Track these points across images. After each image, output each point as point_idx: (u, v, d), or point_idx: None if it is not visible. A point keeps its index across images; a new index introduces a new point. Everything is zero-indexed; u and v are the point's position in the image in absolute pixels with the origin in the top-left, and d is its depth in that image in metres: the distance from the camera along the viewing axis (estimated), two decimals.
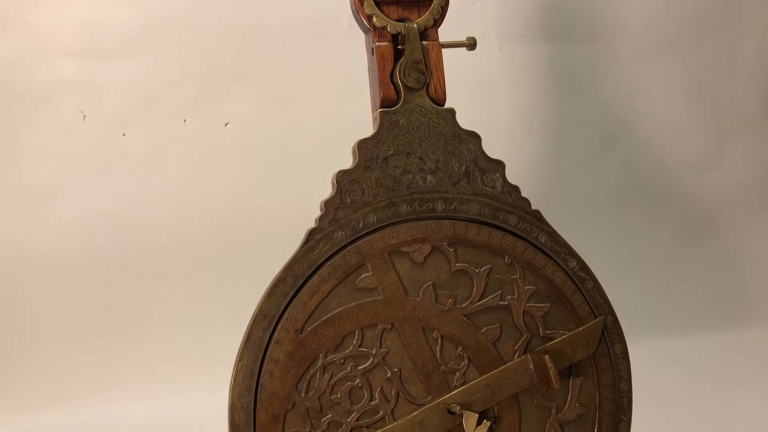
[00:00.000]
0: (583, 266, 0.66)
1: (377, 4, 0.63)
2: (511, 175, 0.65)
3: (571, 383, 0.65)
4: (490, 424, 0.61)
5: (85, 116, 1.08)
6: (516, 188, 0.65)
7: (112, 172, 1.11)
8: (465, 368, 0.63)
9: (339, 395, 0.60)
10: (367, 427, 0.60)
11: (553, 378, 0.61)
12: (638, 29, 1.30)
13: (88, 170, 1.11)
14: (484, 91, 1.24)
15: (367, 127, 0.65)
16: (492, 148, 0.66)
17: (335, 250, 0.61)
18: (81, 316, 1.15)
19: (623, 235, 1.38)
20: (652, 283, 1.40)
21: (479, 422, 0.60)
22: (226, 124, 1.13)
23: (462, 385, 0.62)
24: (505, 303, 0.64)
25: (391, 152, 0.62)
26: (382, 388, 0.61)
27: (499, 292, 0.64)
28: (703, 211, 1.40)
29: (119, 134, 1.10)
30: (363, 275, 0.61)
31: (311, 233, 0.60)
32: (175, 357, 1.19)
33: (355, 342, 0.60)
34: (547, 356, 0.62)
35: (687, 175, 1.38)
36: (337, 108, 1.14)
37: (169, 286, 1.17)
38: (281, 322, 0.59)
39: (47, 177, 1.10)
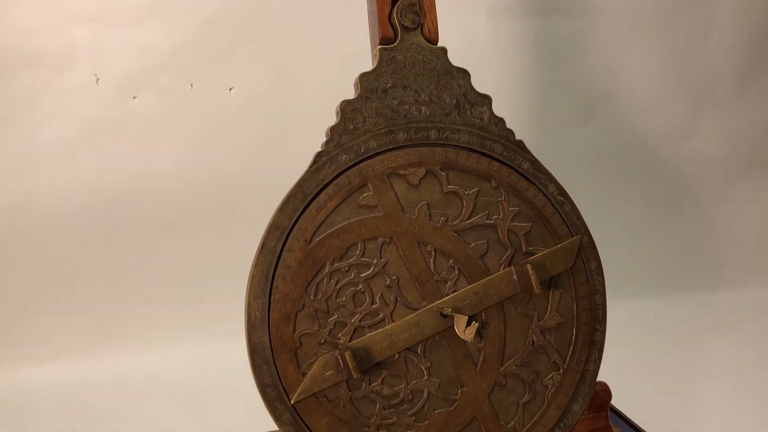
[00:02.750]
0: (562, 191, 0.74)
1: None
2: None
3: (551, 295, 0.72)
4: (479, 326, 0.68)
5: (98, 80, 1.15)
6: (501, 120, 0.72)
7: (123, 132, 1.18)
8: (456, 278, 0.70)
9: (344, 299, 0.67)
10: (369, 327, 0.67)
11: (534, 284, 0.69)
12: (618, 5, 1.37)
13: (101, 131, 1.17)
14: (471, 62, 1.30)
15: None
16: None
17: (340, 171, 0.67)
18: (93, 271, 1.21)
19: (603, 200, 1.45)
20: (630, 247, 1.47)
21: (468, 323, 0.67)
22: (230, 89, 1.20)
23: (453, 292, 0.69)
24: (492, 222, 0.71)
25: (389, 85, 0.69)
26: (382, 293, 0.68)
27: (486, 212, 0.71)
28: (679, 179, 1.47)
29: (130, 97, 1.17)
30: (365, 194, 0.68)
31: (318, 156, 0.67)
32: (181, 311, 1.25)
33: (357, 252, 0.67)
34: (529, 265, 0.69)
35: (664, 144, 1.45)
36: (335, 75, 1.21)
37: (175, 242, 1.23)
38: (292, 233, 0.66)
39: (62, 137, 1.16)
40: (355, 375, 0.64)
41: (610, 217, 1.45)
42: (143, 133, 1.18)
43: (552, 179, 0.73)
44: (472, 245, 0.70)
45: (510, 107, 1.34)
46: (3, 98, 1.13)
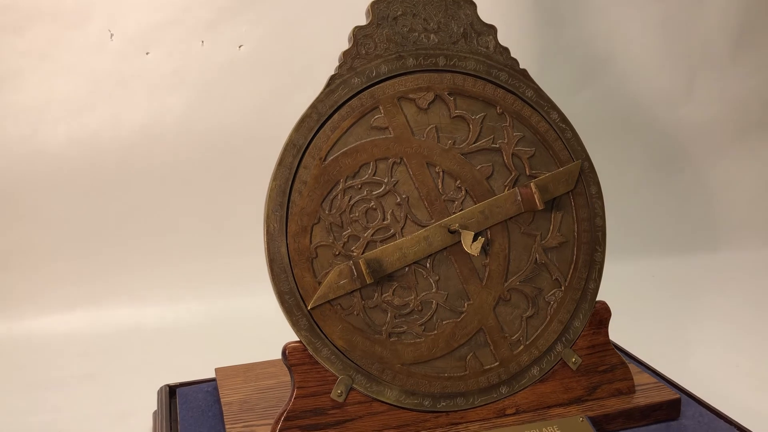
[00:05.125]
0: (564, 118, 0.77)
1: None
2: None
3: (552, 216, 0.76)
4: (484, 241, 0.72)
5: (112, 35, 1.18)
6: (506, 49, 0.76)
7: (136, 87, 1.21)
8: (462, 198, 0.73)
9: (357, 214, 0.70)
10: (381, 241, 0.71)
11: (537, 200, 0.72)
12: None
13: (114, 86, 1.20)
14: None
15: None
16: None
17: (353, 93, 0.71)
18: (106, 222, 1.24)
19: (601, 163, 1.47)
20: (628, 209, 1.50)
21: (475, 239, 0.70)
22: (240, 46, 1.23)
23: (460, 211, 0.73)
24: (497, 146, 0.74)
25: (399, 13, 0.72)
26: (393, 211, 0.71)
27: (492, 136, 0.74)
28: (675, 143, 1.51)
29: (143, 53, 1.20)
30: (376, 116, 0.71)
31: (332, 78, 0.71)
32: (192, 261, 1.28)
33: (370, 171, 0.71)
34: (532, 183, 0.73)
35: (661, 107, 1.49)
36: (342, 33, 1.24)
37: (186, 195, 1.26)
38: (308, 151, 0.69)
39: (76, 91, 1.20)
40: (368, 281, 0.68)
41: (607, 180, 1.47)
42: (155, 87, 1.21)
43: (554, 107, 0.77)
44: (478, 167, 0.74)
45: None
46: (19, 52, 1.16)
